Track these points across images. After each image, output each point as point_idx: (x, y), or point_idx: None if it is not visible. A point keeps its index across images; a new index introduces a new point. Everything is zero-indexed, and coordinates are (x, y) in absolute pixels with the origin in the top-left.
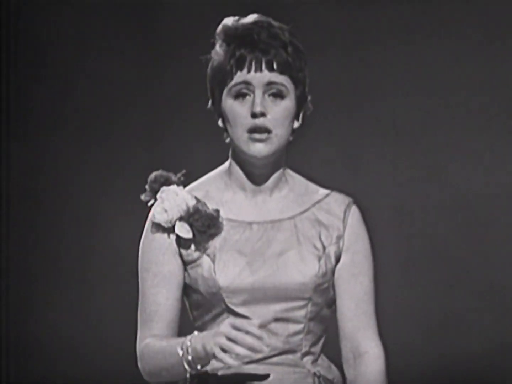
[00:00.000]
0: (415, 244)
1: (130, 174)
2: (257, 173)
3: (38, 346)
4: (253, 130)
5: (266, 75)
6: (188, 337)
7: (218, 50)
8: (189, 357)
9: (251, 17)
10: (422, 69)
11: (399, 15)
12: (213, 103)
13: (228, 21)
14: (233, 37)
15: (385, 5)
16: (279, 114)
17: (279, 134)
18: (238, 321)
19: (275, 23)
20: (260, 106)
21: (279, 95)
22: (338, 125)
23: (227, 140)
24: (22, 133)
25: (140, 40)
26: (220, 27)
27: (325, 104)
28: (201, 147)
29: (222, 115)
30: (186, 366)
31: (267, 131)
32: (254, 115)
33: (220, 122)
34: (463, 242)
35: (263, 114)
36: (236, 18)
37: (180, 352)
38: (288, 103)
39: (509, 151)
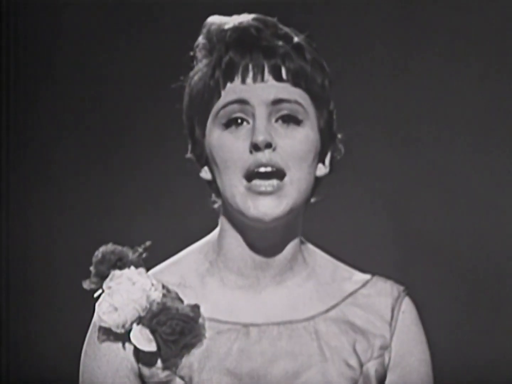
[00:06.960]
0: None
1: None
2: (260, 247)
3: (38, 346)
4: (254, 175)
5: (271, 88)
6: None
7: (198, 65)
8: None
9: (248, 15)
10: (426, 76)
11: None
12: (193, 145)
13: (214, 19)
14: (220, 41)
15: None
16: (295, 147)
17: (296, 178)
18: None
19: (285, 27)
20: (265, 133)
21: (293, 118)
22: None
23: (216, 205)
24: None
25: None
26: (201, 34)
27: None
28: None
29: (206, 159)
30: None
31: (277, 175)
32: (255, 147)
33: (203, 173)
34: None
35: (268, 145)
36: (226, 18)
37: None
38: (308, 132)
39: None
